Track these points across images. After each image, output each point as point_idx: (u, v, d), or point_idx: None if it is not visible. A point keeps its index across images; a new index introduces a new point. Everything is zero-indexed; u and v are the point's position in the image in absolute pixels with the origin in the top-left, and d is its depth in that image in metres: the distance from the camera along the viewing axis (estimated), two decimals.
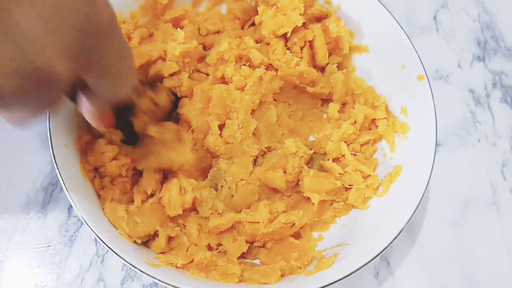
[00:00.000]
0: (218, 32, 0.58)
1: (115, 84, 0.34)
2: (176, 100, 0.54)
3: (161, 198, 0.49)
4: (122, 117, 0.45)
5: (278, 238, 0.50)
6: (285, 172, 0.53)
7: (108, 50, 0.31)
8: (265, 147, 0.54)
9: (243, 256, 0.50)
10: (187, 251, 0.48)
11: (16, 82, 0.27)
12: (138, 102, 0.49)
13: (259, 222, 0.49)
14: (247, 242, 0.50)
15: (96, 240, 0.52)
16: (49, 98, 0.30)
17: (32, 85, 0.27)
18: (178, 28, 0.54)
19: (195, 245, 0.49)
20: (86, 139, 0.48)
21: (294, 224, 0.50)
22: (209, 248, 0.50)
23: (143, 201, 0.49)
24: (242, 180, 0.52)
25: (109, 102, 0.37)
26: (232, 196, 0.52)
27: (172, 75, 0.53)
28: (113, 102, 0.37)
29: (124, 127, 0.48)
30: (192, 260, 0.47)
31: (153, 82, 0.53)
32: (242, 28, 0.59)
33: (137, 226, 0.47)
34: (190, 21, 0.57)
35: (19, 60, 0.26)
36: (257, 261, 0.51)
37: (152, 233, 0.48)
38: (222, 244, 0.50)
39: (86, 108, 0.37)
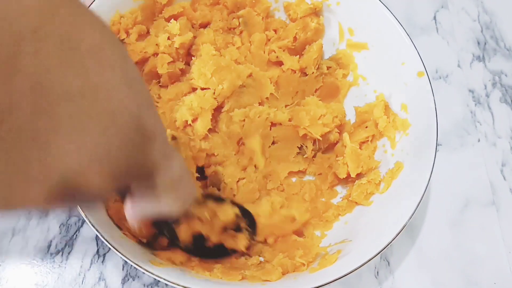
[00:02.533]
0: (208, 23, 0.59)
1: (163, 205, 0.32)
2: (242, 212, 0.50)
3: None
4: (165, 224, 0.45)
5: (280, 234, 0.50)
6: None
7: (157, 169, 0.29)
8: None
9: (247, 254, 0.50)
10: None
11: (57, 194, 0.25)
12: (196, 211, 0.47)
13: (259, 216, 0.50)
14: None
15: (97, 240, 0.52)
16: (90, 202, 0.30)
17: (70, 197, 0.26)
18: (172, 20, 0.54)
19: None
20: None
21: (294, 219, 0.50)
22: None
23: None
24: (242, 179, 0.52)
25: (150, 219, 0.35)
26: (234, 195, 0.52)
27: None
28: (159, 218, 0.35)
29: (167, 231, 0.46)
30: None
31: (217, 196, 0.51)
32: (228, 15, 0.59)
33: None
34: (188, 18, 0.57)
35: (65, 174, 0.25)
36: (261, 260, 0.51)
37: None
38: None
39: (127, 213, 0.34)
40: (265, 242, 0.51)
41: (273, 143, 0.55)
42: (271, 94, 0.57)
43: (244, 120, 0.53)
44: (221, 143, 0.53)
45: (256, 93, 0.56)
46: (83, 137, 0.24)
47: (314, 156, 0.57)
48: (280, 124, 0.55)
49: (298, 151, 0.56)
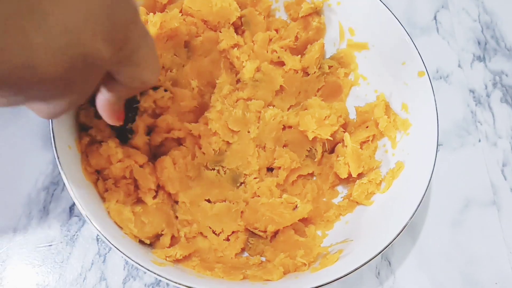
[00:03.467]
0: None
1: (145, 72, 0.35)
2: None
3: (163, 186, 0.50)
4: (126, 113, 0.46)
5: (280, 224, 0.50)
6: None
7: (137, 35, 0.32)
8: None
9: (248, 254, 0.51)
10: (188, 242, 0.49)
11: (65, 61, 0.27)
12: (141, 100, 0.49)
13: (260, 197, 0.51)
14: (248, 230, 0.51)
15: (98, 239, 0.52)
16: (90, 85, 0.31)
17: (78, 68, 0.28)
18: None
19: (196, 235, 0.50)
20: (86, 141, 0.48)
21: (296, 206, 0.50)
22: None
23: (154, 197, 0.49)
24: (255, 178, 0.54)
25: (133, 92, 0.38)
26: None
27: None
28: (137, 90, 0.38)
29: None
30: (192, 253, 0.48)
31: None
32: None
33: (144, 227, 0.47)
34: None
35: (69, 39, 0.26)
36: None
37: (160, 232, 0.48)
38: (223, 231, 0.51)
39: (103, 100, 0.38)
40: (265, 232, 0.51)
41: (283, 146, 0.55)
42: (276, 94, 0.57)
43: (260, 111, 0.54)
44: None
45: (268, 87, 0.56)
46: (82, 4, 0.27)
47: (322, 158, 0.57)
48: (290, 127, 0.55)
49: (307, 154, 0.56)
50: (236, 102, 0.55)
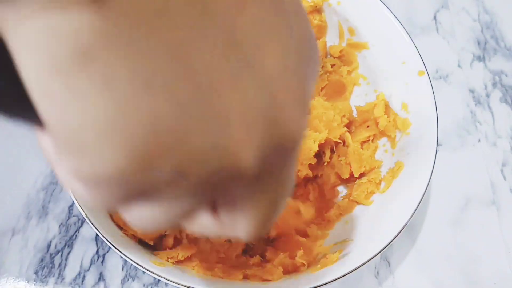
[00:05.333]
0: None
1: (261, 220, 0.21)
2: None
3: None
4: None
5: (283, 228, 0.50)
6: None
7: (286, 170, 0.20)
8: None
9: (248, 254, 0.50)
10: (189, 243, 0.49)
11: (206, 169, 0.16)
12: None
13: None
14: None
15: (96, 240, 0.52)
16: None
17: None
18: None
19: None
20: None
21: (299, 211, 0.50)
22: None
23: None
24: None
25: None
26: None
27: None
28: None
29: None
30: (193, 254, 0.48)
31: None
32: None
33: None
34: None
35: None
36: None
37: (163, 233, 0.48)
38: None
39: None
40: (266, 234, 0.51)
41: None
42: None
43: None
44: None
45: None
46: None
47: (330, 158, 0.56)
48: None
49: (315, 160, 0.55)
50: None
